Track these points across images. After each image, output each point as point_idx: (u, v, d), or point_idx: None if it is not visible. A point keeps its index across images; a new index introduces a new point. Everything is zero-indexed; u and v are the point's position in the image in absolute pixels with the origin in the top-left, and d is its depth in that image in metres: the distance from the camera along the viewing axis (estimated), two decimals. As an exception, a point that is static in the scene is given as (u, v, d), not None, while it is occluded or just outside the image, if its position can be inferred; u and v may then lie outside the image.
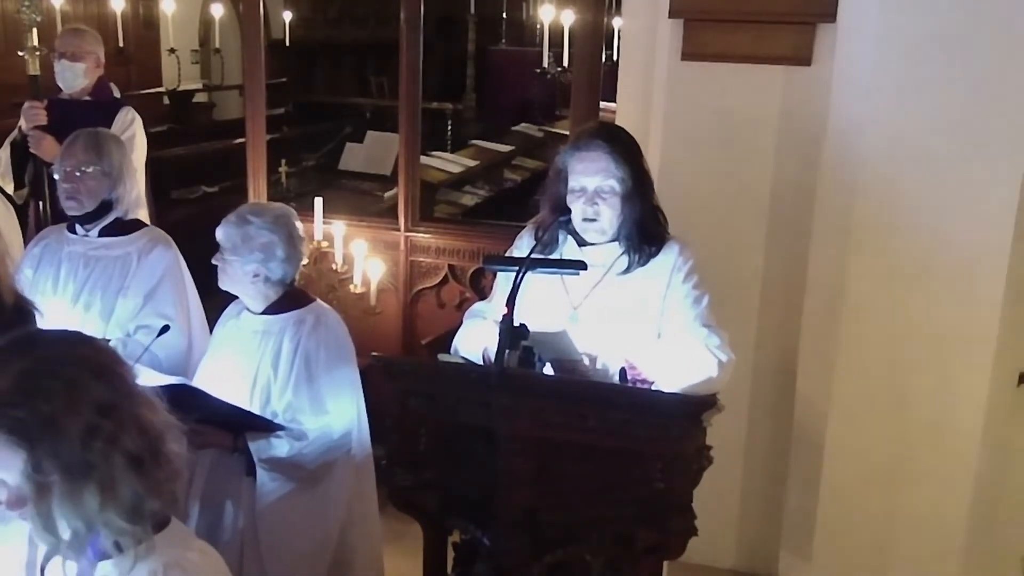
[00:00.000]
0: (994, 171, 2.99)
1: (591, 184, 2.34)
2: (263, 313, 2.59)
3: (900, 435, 3.20)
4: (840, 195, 3.19)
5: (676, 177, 3.31)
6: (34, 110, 3.69)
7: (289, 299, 2.59)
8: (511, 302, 2.06)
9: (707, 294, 2.39)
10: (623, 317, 2.35)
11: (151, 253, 2.90)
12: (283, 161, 5.56)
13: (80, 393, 1.36)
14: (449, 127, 7.82)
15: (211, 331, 2.85)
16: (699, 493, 2.08)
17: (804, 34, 3.24)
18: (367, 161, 6.14)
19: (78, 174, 2.84)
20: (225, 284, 2.59)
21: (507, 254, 2.58)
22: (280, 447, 2.48)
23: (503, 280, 2.51)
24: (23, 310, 2.39)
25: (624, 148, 2.36)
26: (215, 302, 2.80)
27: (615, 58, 5.02)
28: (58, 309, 2.80)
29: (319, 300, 2.67)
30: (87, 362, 1.41)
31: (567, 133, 4.58)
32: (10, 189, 3.83)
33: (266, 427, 2.50)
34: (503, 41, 9.56)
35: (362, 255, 3.99)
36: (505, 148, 7.00)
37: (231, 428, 2.50)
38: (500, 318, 2.09)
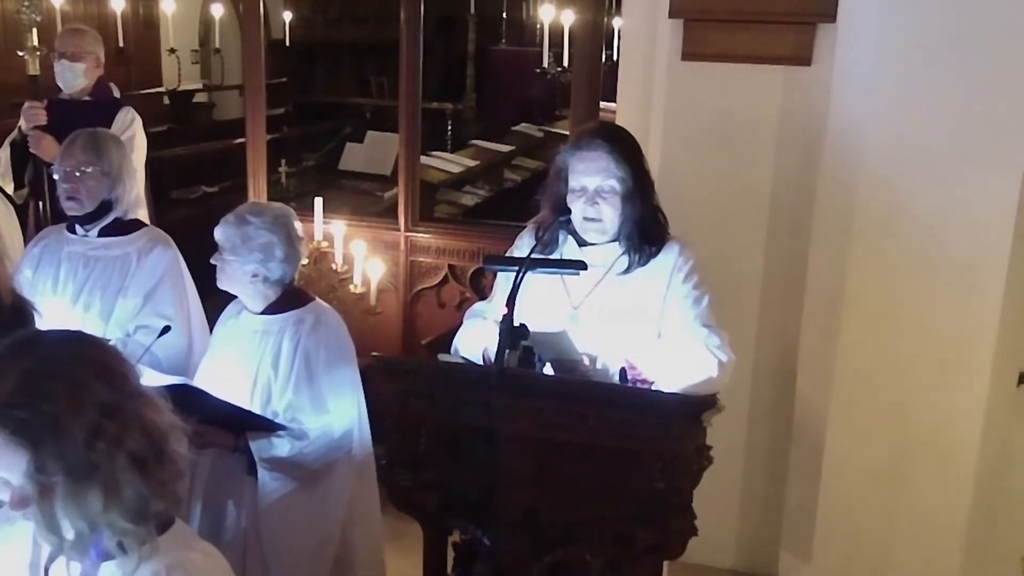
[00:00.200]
0: (994, 171, 2.99)
1: (592, 184, 2.34)
2: (263, 313, 2.59)
3: (900, 435, 3.20)
4: (840, 195, 3.19)
5: (676, 177, 3.31)
6: (34, 110, 3.69)
7: (288, 299, 2.59)
8: (511, 302, 2.06)
9: (707, 294, 2.39)
10: (623, 317, 2.35)
11: (151, 253, 2.90)
12: (283, 161, 5.56)
13: (84, 394, 1.36)
14: (449, 127, 7.82)
15: (211, 331, 2.85)
16: (699, 493, 2.08)
17: (804, 34, 3.24)
18: (367, 161, 6.14)
19: (78, 174, 2.84)
20: (224, 284, 2.59)
21: (507, 254, 2.58)
22: (281, 447, 2.48)
23: (503, 280, 2.51)
24: (22, 310, 2.39)
25: (625, 148, 2.36)
26: (215, 302, 2.80)
27: (615, 58, 5.01)
28: (57, 309, 2.80)
29: (319, 299, 2.67)
30: (91, 363, 1.41)
31: (567, 133, 4.58)
32: (10, 189, 3.83)
33: (267, 427, 2.50)
34: (503, 41, 9.56)
35: (362, 255, 3.99)
36: (505, 148, 7.00)
37: (232, 428, 2.50)
38: (500, 318, 2.09)
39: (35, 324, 2.39)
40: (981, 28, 2.94)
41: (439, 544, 2.33)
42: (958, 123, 3.01)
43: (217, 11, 7.40)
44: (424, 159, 4.87)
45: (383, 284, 4.14)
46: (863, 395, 3.23)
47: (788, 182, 3.35)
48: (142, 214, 3.35)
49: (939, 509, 3.19)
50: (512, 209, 5.39)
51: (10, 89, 4.77)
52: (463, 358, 2.44)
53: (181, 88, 7.57)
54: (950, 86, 3.00)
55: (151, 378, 2.28)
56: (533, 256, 2.28)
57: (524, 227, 2.61)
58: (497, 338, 2.08)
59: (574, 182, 2.37)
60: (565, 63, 5.61)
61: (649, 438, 2.00)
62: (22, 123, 3.73)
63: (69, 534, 1.39)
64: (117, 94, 4.12)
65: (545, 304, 2.36)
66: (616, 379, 2.28)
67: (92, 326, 2.79)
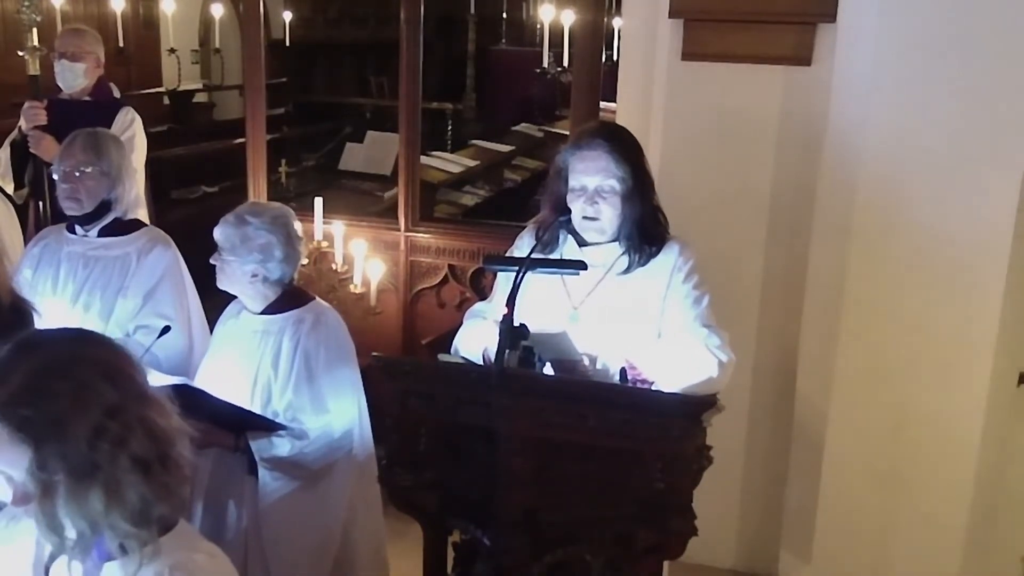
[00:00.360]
0: (994, 171, 2.99)
1: (591, 183, 2.34)
2: (262, 313, 2.59)
3: (900, 435, 3.20)
4: (840, 195, 3.19)
5: (676, 177, 3.31)
6: (34, 110, 3.69)
7: (288, 298, 2.59)
8: (511, 302, 2.06)
9: (707, 294, 2.39)
10: (623, 317, 2.35)
11: (150, 253, 2.90)
12: (283, 161, 5.57)
13: (89, 394, 1.36)
14: (449, 127, 7.82)
15: (211, 331, 2.85)
16: (699, 493, 2.08)
17: (804, 34, 3.24)
18: (367, 161, 6.14)
19: (77, 174, 2.84)
20: (223, 284, 2.59)
21: (508, 254, 2.58)
22: (281, 446, 2.48)
23: (503, 280, 2.51)
24: (21, 311, 2.39)
25: (625, 147, 2.36)
26: (215, 302, 2.80)
27: (615, 58, 5.02)
28: (57, 309, 2.80)
29: (318, 299, 2.67)
30: (99, 363, 1.41)
31: (567, 133, 4.58)
32: (10, 189, 3.83)
33: (267, 426, 2.50)
34: (503, 41, 9.56)
35: (362, 255, 3.99)
36: (505, 148, 7.00)
37: (232, 428, 2.51)
38: (500, 318, 2.09)
39: (34, 324, 2.39)
40: (981, 28, 2.94)
41: (439, 544, 2.33)
42: (958, 123, 3.01)
43: (217, 11, 7.40)
44: (424, 159, 4.87)
45: (383, 284, 4.14)
46: (863, 395, 3.22)
47: (788, 182, 3.35)
48: (142, 214, 3.35)
49: (939, 509, 3.19)
50: (512, 209, 5.39)
51: (10, 89, 4.78)
52: (463, 358, 2.44)
53: (181, 88, 7.57)
54: (950, 86, 2.99)
55: (150, 378, 2.28)
56: (533, 256, 2.28)
57: (524, 227, 2.61)
58: (497, 338, 2.08)
59: (574, 181, 2.37)
60: (565, 63, 5.61)
61: (649, 438, 2.00)
62: (22, 123, 3.73)
63: (71, 533, 1.39)
64: (117, 94, 4.12)
65: (545, 304, 2.36)
66: (616, 379, 2.28)
67: (92, 326, 2.78)
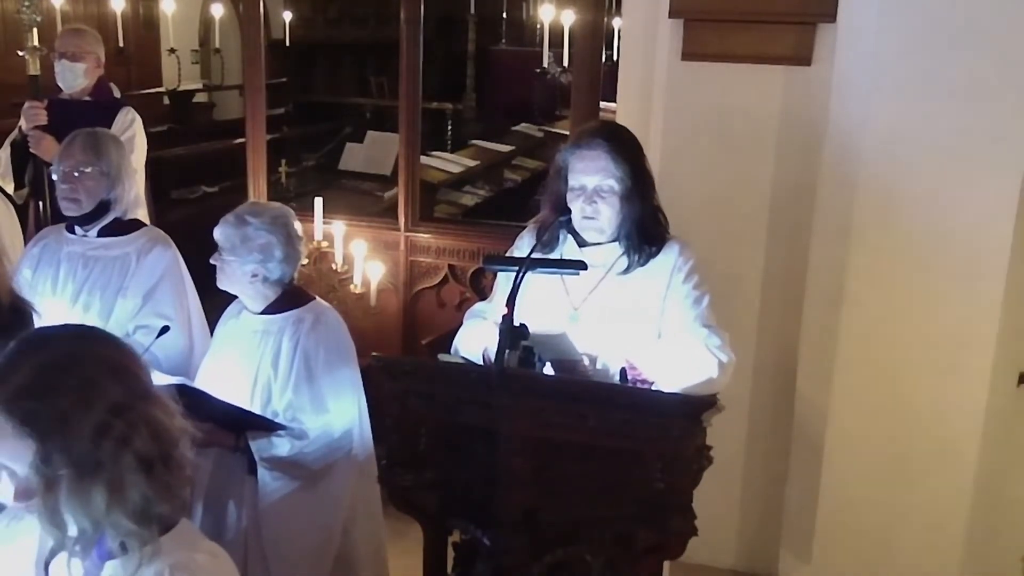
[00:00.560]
0: (994, 171, 2.99)
1: (590, 183, 2.34)
2: (262, 313, 2.59)
3: (900, 435, 3.20)
4: (840, 195, 3.19)
5: (676, 177, 3.31)
6: (34, 110, 3.69)
7: (288, 298, 2.59)
8: (511, 302, 2.06)
9: (707, 294, 2.39)
10: (623, 317, 2.35)
11: (150, 253, 2.90)
12: (283, 161, 5.57)
13: (95, 391, 1.36)
14: (449, 127, 7.82)
15: (211, 331, 2.85)
16: (699, 493, 2.08)
17: (804, 34, 3.24)
18: (367, 161, 6.14)
19: (76, 174, 2.83)
20: (224, 284, 2.59)
21: (508, 254, 2.58)
22: (281, 446, 2.48)
23: (503, 280, 2.52)
24: (21, 311, 2.38)
25: (624, 147, 2.36)
26: (215, 302, 2.80)
27: (615, 58, 5.01)
28: (57, 309, 2.80)
29: (318, 299, 2.67)
30: (105, 360, 1.41)
31: (567, 133, 4.58)
32: (10, 189, 3.83)
33: (266, 426, 2.50)
34: (503, 41, 9.55)
35: (362, 255, 3.99)
36: (505, 148, 6.99)
37: (232, 427, 2.51)
38: (500, 318, 2.09)
39: (34, 324, 2.38)
40: (981, 28, 2.94)
41: (439, 544, 2.33)
42: (958, 123, 3.01)
43: (217, 11, 7.40)
44: (424, 159, 4.87)
45: (383, 284, 4.14)
46: (863, 395, 3.22)
47: (788, 182, 3.35)
48: (141, 214, 3.35)
49: (939, 509, 3.19)
50: (512, 209, 5.39)
51: (10, 89, 4.78)
52: (463, 358, 2.44)
53: (181, 88, 7.56)
54: (950, 86, 2.99)
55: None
56: (533, 256, 2.28)
57: (524, 227, 2.61)
58: (497, 338, 2.08)
59: (573, 181, 2.37)
60: (565, 63, 5.60)
61: (649, 438, 2.00)
62: (22, 123, 3.73)
63: (72, 530, 1.39)
64: (117, 94, 4.12)
65: (545, 304, 2.36)
66: (616, 379, 2.28)
67: (91, 326, 2.79)
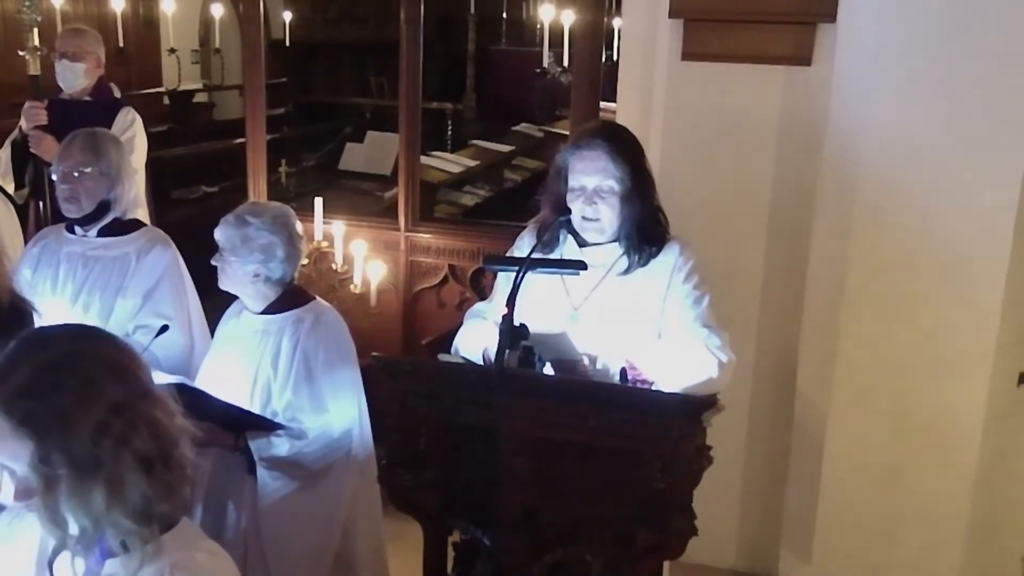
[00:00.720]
0: (994, 171, 2.99)
1: (590, 183, 2.34)
2: (263, 313, 2.59)
3: (900, 435, 3.20)
4: (840, 195, 3.19)
5: (676, 177, 3.30)
6: (34, 110, 3.69)
7: (288, 298, 2.59)
8: (511, 302, 2.06)
9: (708, 294, 2.38)
10: (623, 317, 2.35)
11: (150, 253, 2.90)
12: (283, 161, 5.57)
13: (94, 390, 1.37)
14: (449, 127, 7.82)
15: (211, 331, 2.85)
16: (699, 493, 2.08)
17: (804, 34, 3.24)
18: (367, 161, 6.14)
19: (76, 175, 2.83)
20: (225, 284, 2.59)
21: (508, 254, 2.58)
22: (280, 446, 2.48)
23: (503, 280, 2.52)
24: (21, 311, 2.39)
25: (624, 148, 2.36)
26: (215, 302, 2.80)
27: (615, 58, 5.01)
28: (57, 309, 2.80)
29: (319, 299, 2.67)
30: (105, 359, 1.41)
31: (567, 133, 4.58)
32: (11, 189, 3.83)
33: (265, 426, 2.50)
34: (503, 41, 9.56)
35: (362, 255, 3.99)
36: (505, 148, 6.99)
37: (231, 427, 2.51)
38: (500, 318, 2.09)
39: (34, 325, 2.39)
40: (981, 28, 2.94)
41: (439, 544, 2.33)
42: (958, 123, 3.01)
43: (217, 11, 7.39)
44: (424, 159, 4.87)
45: (383, 284, 4.14)
46: (863, 395, 3.22)
47: (788, 182, 3.35)
48: (141, 214, 3.35)
49: (939, 509, 3.19)
50: (512, 209, 5.39)
51: (10, 89, 4.78)
52: (463, 358, 2.44)
53: (181, 88, 7.56)
54: (950, 86, 2.99)
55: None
56: (533, 256, 2.28)
57: (524, 227, 2.61)
58: (497, 338, 2.08)
59: (573, 181, 2.37)
60: (565, 63, 5.61)
61: (649, 438, 2.00)
62: (23, 123, 3.73)
63: (73, 529, 1.39)
64: (118, 94, 4.12)
65: (545, 304, 2.36)
66: (616, 379, 2.28)
67: (91, 326, 2.79)
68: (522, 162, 6.98)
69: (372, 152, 6.17)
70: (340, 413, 2.56)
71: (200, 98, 8.32)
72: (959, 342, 3.09)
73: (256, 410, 2.53)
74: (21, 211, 3.87)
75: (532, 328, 2.13)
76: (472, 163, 6.34)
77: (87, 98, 3.88)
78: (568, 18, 5.07)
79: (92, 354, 1.41)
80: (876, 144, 3.10)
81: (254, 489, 2.51)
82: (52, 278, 2.90)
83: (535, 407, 2.05)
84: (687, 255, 2.39)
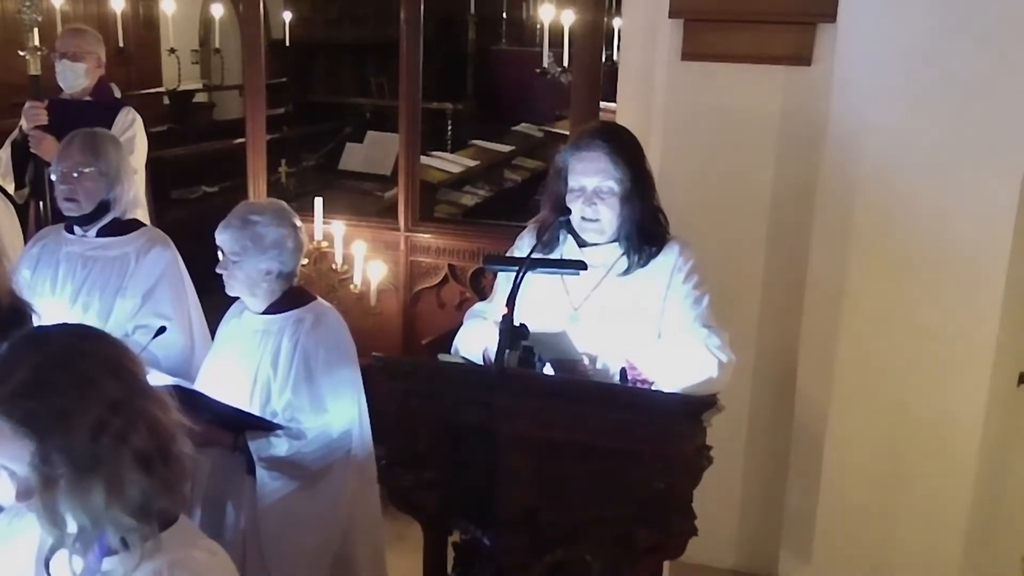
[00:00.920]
0: (994, 171, 2.99)
1: (590, 184, 2.34)
2: (264, 312, 2.59)
3: (900, 435, 3.20)
4: (840, 195, 3.19)
5: (676, 177, 3.30)
6: (35, 110, 3.69)
7: (289, 298, 2.59)
8: (511, 302, 2.06)
9: (707, 294, 2.39)
10: (623, 317, 2.35)
11: (149, 253, 2.90)
12: (283, 161, 5.57)
13: (93, 388, 1.37)
14: (449, 127, 7.82)
15: (210, 330, 2.85)
16: (699, 493, 2.08)
17: (804, 34, 3.24)
18: (367, 161, 6.13)
19: (75, 175, 2.83)
20: (235, 289, 2.57)
21: (508, 254, 2.58)
22: (279, 446, 2.48)
23: (503, 280, 2.52)
24: (20, 310, 2.39)
25: (624, 148, 2.36)
26: (215, 302, 2.80)
27: (615, 58, 5.02)
28: (56, 310, 2.80)
29: (320, 299, 2.67)
30: (102, 358, 1.42)
31: (567, 133, 4.57)
32: (11, 189, 3.83)
33: (264, 427, 2.50)
34: (503, 41, 9.56)
35: (362, 255, 3.99)
36: (505, 148, 7.00)
37: (230, 428, 2.50)
38: (500, 318, 2.09)
39: (33, 324, 2.39)
40: (981, 28, 2.94)
41: (439, 544, 2.33)
42: (958, 123, 3.01)
43: (217, 11, 7.39)
44: (424, 159, 4.86)
45: (383, 284, 4.14)
46: (863, 395, 3.22)
47: (788, 182, 3.35)
48: (141, 214, 3.35)
49: (939, 509, 3.19)
50: (512, 209, 5.39)
51: (11, 89, 4.77)
52: (463, 358, 2.44)
53: (181, 88, 7.56)
54: (950, 86, 2.99)
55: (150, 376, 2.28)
56: (533, 256, 2.28)
57: (524, 227, 2.61)
58: (497, 338, 2.08)
59: (573, 182, 2.37)
60: (565, 63, 5.60)
61: (649, 438, 2.00)
62: (23, 123, 3.73)
63: (72, 527, 1.39)
64: (118, 94, 4.13)
65: (545, 304, 2.36)
66: (616, 379, 2.28)
67: (91, 326, 2.78)
68: (522, 162, 6.98)
69: (372, 152, 6.16)
70: (340, 413, 2.56)
71: (200, 98, 8.32)
72: (959, 342, 3.09)
73: (256, 410, 2.53)
74: (21, 211, 3.87)
75: (532, 328, 2.13)
76: (472, 163, 6.34)
77: (87, 98, 3.88)
78: (568, 18, 5.07)
79: (91, 353, 1.42)
80: (876, 144, 3.11)
81: (253, 489, 2.51)
82: (51, 278, 2.90)
83: (535, 407, 2.05)
84: (687, 255, 2.39)
